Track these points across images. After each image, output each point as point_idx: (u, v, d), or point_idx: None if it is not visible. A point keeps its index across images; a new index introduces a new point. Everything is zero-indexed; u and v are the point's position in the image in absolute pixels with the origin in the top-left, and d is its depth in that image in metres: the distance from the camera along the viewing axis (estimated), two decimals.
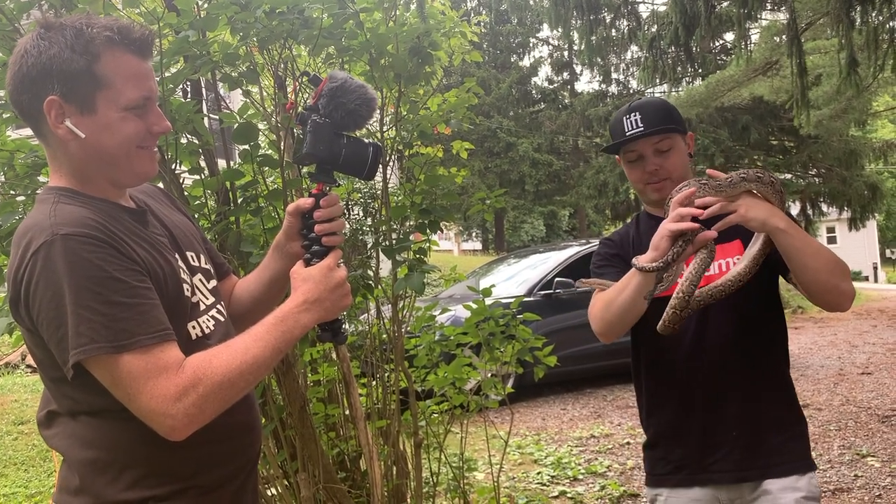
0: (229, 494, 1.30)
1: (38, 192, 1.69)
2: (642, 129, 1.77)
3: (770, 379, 1.76)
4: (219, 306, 1.38)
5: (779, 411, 1.76)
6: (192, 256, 1.36)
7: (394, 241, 2.70)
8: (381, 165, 2.88)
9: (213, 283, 1.40)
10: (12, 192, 2.44)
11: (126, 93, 1.21)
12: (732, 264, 1.74)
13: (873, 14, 6.73)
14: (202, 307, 1.33)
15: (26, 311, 1.15)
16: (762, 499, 1.69)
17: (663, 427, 1.82)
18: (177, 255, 1.31)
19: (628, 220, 2.06)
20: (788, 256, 1.58)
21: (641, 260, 1.56)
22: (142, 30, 1.24)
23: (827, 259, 1.59)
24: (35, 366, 1.26)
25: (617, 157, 1.91)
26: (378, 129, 2.86)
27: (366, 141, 1.37)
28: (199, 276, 1.36)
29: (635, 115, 1.78)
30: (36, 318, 1.13)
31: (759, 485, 1.70)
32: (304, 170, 2.11)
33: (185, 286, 1.28)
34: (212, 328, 1.33)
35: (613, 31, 16.29)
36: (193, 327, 1.29)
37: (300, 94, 2.52)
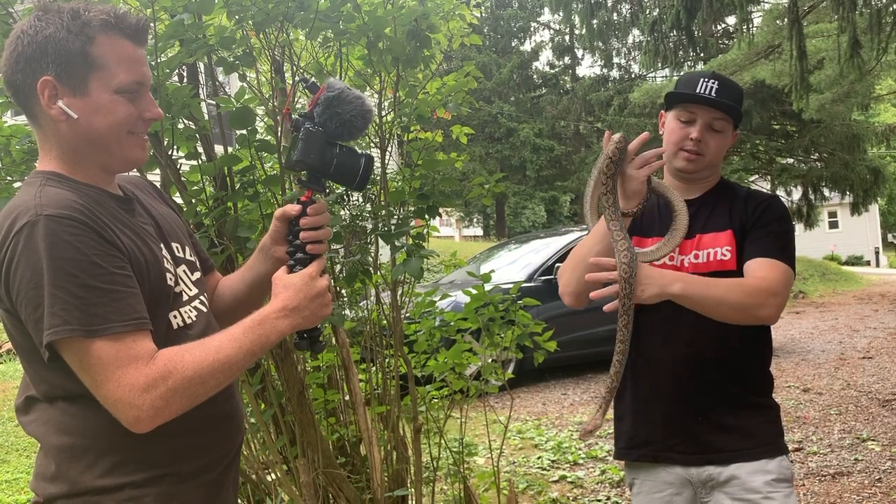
0: (207, 483, 1.30)
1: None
2: (715, 96, 1.74)
3: (743, 363, 1.76)
4: (202, 297, 1.38)
5: (749, 396, 1.76)
6: (177, 247, 1.36)
7: (392, 227, 2.69)
8: (371, 149, 2.87)
9: (198, 275, 1.40)
10: (9, 178, 2.43)
11: (119, 75, 1.22)
12: (721, 254, 1.74)
13: None
14: (185, 297, 1.33)
15: (6, 290, 1.14)
16: (733, 482, 1.70)
17: (634, 404, 1.84)
18: (161, 245, 1.31)
19: None
20: (696, 308, 1.63)
21: (623, 207, 1.65)
22: (138, 17, 1.26)
23: (732, 303, 1.62)
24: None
25: (661, 112, 1.87)
26: (376, 113, 2.84)
27: (359, 151, 1.36)
28: (184, 266, 1.36)
29: (713, 82, 1.75)
30: (15, 298, 1.13)
31: (728, 469, 1.71)
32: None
33: (169, 275, 1.28)
34: (194, 318, 1.32)
35: (615, 14, 16.23)
36: (175, 317, 1.29)
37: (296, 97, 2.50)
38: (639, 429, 1.82)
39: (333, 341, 2.94)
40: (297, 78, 1.48)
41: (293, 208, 1.35)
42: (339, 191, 3.27)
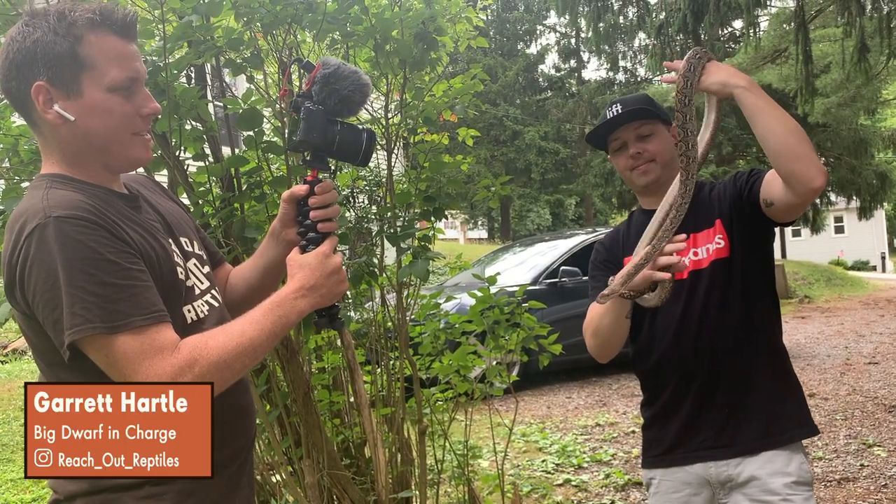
0: (226, 478, 1.30)
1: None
2: (622, 112, 1.82)
3: (763, 350, 1.76)
4: (213, 291, 1.38)
5: (773, 382, 1.76)
6: (185, 242, 1.36)
7: (398, 229, 2.69)
8: (377, 151, 2.87)
9: (207, 268, 1.41)
10: (17, 178, 2.43)
11: (110, 73, 1.21)
12: (716, 244, 1.76)
13: (884, 1, 6.67)
14: (197, 291, 1.33)
15: (21, 294, 1.15)
16: (752, 483, 1.70)
17: (658, 409, 1.85)
18: (170, 240, 1.31)
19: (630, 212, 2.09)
20: (753, 118, 1.55)
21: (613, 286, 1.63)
22: (125, 12, 1.24)
23: (793, 125, 1.55)
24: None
25: (609, 157, 1.95)
26: (383, 115, 2.84)
27: (360, 127, 1.37)
28: (194, 260, 1.36)
29: (616, 106, 1.85)
30: (32, 300, 1.13)
31: (748, 469, 1.71)
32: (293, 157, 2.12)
33: (179, 269, 1.28)
34: (206, 313, 1.33)
35: (621, 18, 16.21)
36: (189, 311, 1.29)
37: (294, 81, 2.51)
38: (666, 434, 1.82)
39: (339, 343, 2.94)
40: (294, 59, 1.47)
41: (301, 189, 1.35)
42: (344, 192, 3.27)
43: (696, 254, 1.78)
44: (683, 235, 1.60)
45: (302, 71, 1.38)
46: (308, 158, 1.36)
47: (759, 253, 1.79)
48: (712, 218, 1.78)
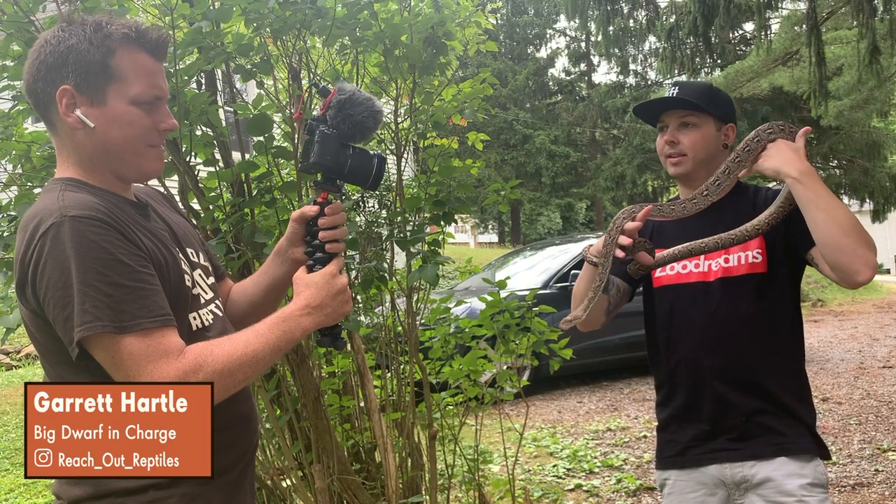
0: (228, 483, 1.31)
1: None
2: (676, 96, 1.78)
3: (784, 367, 1.75)
4: (217, 301, 1.41)
5: (792, 402, 1.74)
6: (191, 252, 1.39)
7: (408, 233, 2.69)
8: (387, 156, 2.89)
9: (212, 279, 1.43)
10: (29, 184, 2.45)
11: (136, 87, 1.25)
12: (753, 257, 1.74)
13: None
14: (202, 300, 1.35)
15: (33, 292, 1.16)
16: (767, 484, 1.69)
17: (675, 410, 1.83)
18: (177, 249, 1.33)
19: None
20: (802, 208, 1.55)
21: (591, 252, 1.71)
22: (159, 33, 1.29)
23: (841, 218, 1.51)
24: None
25: None
26: (392, 119, 2.85)
27: (371, 152, 1.41)
28: (199, 271, 1.39)
29: (674, 89, 1.80)
30: (43, 298, 1.15)
31: (764, 470, 1.69)
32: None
33: (187, 277, 1.31)
34: (211, 321, 1.35)
35: (631, 21, 16.18)
36: (194, 318, 1.31)
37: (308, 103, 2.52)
38: (682, 436, 1.81)
39: (349, 347, 2.95)
40: (310, 83, 1.51)
41: (311, 209, 1.38)
42: (354, 197, 3.28)
43: (727, 260, 1.76)
44: (643, 213, 1.63)
45: (317, 95, 1.42)
46: (319, 180, 1.39)
47: (794, 276, 1.77)
48: None
